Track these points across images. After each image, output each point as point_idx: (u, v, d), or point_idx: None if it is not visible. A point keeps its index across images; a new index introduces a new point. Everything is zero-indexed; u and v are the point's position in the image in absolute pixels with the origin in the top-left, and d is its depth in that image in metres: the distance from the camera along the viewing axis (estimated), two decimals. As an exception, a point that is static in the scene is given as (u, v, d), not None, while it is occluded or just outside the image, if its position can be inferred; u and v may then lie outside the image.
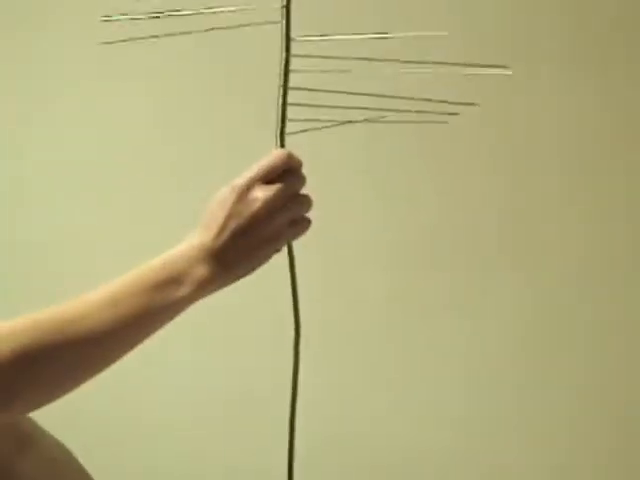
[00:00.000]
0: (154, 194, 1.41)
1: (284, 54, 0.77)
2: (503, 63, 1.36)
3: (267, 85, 1.38)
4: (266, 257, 0.75)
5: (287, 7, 0.77)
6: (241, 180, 0.73)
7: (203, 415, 1.40)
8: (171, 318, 0.72)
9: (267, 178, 0.74)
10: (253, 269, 0.75)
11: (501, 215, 1.37)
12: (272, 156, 0.75)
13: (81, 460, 0.81)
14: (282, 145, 0.78)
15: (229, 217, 0.73)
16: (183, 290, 0.71)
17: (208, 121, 1.40)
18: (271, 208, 0.73)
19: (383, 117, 0.80)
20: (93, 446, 1.41)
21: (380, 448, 1.38)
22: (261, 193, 0.73)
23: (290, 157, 0.75)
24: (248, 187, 0.73)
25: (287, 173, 0.75)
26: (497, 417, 1.37)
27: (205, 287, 0.72)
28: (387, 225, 1.37)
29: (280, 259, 0.77)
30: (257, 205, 0.73)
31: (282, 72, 0.77)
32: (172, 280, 0.71)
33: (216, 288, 0.73)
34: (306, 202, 0.76)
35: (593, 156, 1.36)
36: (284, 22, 0.77)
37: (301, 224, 0.76)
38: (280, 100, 0.77)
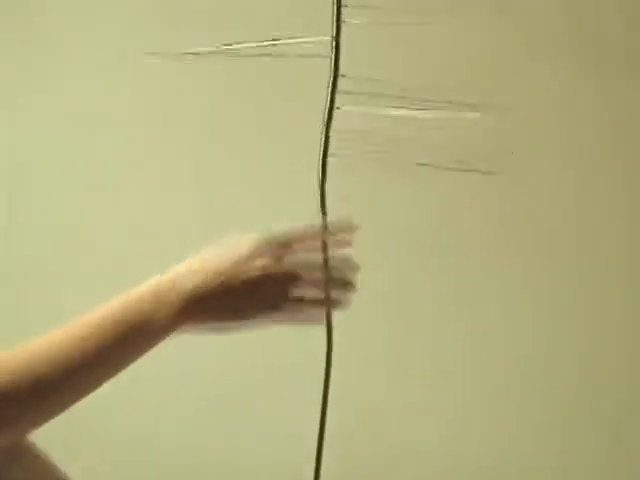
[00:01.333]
0: (156, 192, 1.41)
1: (330, 88, 0.72)
2: (504, 58, 1.37)
3: (268, 88, 1.39)
4: (258, 323, 0.71)
5: (337, 40, 0.72)
6: (257, 238, 0.71)
7: (218, 413, 1.41)
8: (146, 352, 0.70)
9: (287, 246, 0.71)
10: (239, 329, 0.71)
11: (503, 213, 1.37)
12: (300, 229, 0.72)
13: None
14: (322, 186, 0.75)
15: (227, 269, 0.70)
16: (158, 327, 0.69)
17: (217, 126, 1.40)
18: (271, 280, 0.70)
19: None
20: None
21: (383, 445, 1.39)
22: (268, 261, 0.70)
23: (322, 235, 0.72)
24: (262, 248, 0.70)
25: (310, 251, 0.72)
26: (501, 413, 1.37)
27: (179, 328, 0.69)
28: (390, 219, 1.37)
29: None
30: (257, 272, 0.70)
31: (326, 113, 0.72)
32: (148, 318, 0.69)
33: (192, 331, 0.70)
34: (325, 285, 0.72)
35: (593, 153, 1.37)
36: (333, 56, 0.72)
37: (317, 304, 0.72)
38: (322, 147, 0.73)
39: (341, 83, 0.73)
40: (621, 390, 1.36)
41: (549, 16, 1.36)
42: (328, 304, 0.71)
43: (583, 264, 1.36)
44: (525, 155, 1.37)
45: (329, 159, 0.74)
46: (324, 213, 0.72)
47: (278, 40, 0.77)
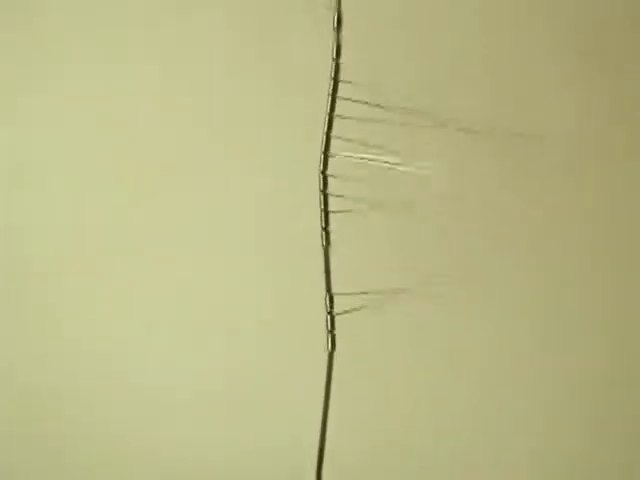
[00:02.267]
0: (157, 192, 1.41)
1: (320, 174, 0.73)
2: (503, 52, 1.37)
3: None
4: None
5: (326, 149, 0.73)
6: None
7: (217, 413, 1.40)
8: None
9: None
10: None
11: (508, 213, 1.37)
12: None
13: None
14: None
15: None
16: None
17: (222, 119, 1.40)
18: None
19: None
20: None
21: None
22: None
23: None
24: None
25: None
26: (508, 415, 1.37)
27: None
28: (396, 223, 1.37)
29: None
30: None
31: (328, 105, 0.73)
32: None
33: None
34: None
35: (595, 147, 1.36)
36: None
37: None
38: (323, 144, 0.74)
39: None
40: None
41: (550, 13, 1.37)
42: (330, 304, 0.71)
43: (590, 256, 1.36)
44: (529, 147, 1.37)
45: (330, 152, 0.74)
46: (326, 210, 0.72)
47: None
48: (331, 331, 0.71)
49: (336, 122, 0.78)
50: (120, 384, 1.40)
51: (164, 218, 1.39)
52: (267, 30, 1.38)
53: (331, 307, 0.71)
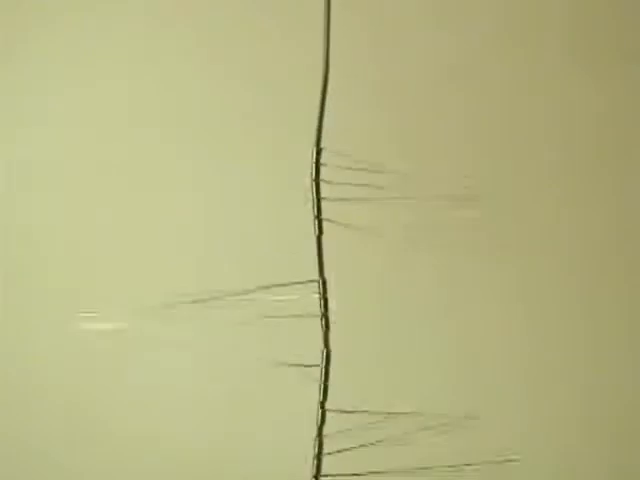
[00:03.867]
0: (157, 192, 1.41)
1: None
2: (502, 56, 1.37)
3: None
4: None
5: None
6: None
7: (217, 413, 1.40)
8: None
9: None
10: None
11: (499, 209, 1.37)
12: None
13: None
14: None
15: None
16: None
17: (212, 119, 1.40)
18: None
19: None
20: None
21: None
22: None
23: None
24: None
25: None
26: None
27: None
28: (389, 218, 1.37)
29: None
30: None
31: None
32: None
33: None
34: None
35: (593, 147, 1.36)
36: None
37: None
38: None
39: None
40: (620, 394, 1.35)
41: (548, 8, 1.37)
42: (324, 305, 0.71)
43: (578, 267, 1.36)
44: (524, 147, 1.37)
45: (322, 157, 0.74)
46: (319, 219, 0.72)
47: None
48: (318, 458, 0.70)
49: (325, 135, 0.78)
50: (120, 383, 1.40)
51: (164, 218, 1.39)
52: (262, 36, 1.39)
53: (322, 423, 0.69)
